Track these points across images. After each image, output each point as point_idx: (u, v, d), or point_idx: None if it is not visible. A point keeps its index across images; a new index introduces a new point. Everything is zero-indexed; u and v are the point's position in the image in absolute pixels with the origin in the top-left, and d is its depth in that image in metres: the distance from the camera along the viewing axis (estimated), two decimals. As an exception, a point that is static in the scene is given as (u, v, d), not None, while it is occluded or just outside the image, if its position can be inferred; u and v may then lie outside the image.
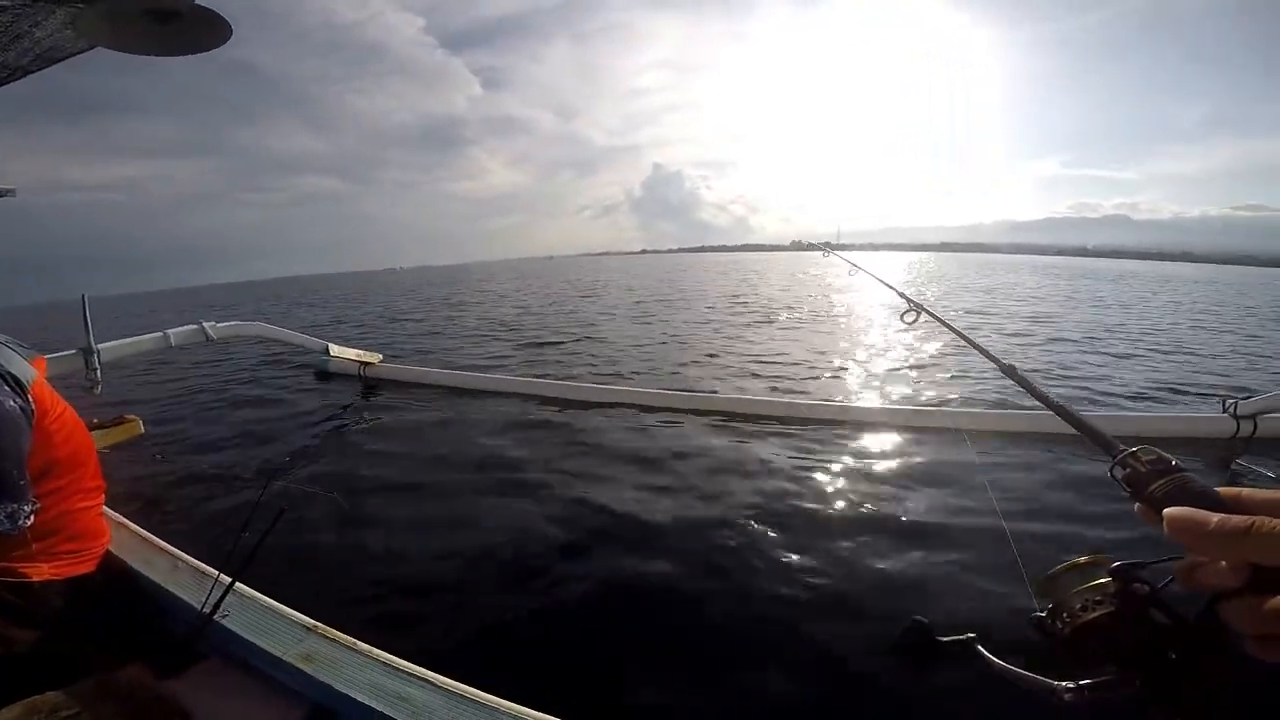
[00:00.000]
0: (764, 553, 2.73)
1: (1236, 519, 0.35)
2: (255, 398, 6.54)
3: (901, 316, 1.77)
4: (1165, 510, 0.37)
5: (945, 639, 0.46)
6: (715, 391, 5.86)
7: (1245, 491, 0.39)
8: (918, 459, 3.88)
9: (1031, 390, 0.75)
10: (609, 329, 11.56)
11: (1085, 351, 8.17)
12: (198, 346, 5.42)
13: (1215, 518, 0.35)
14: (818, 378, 6.77)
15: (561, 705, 1.10)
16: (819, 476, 3.62)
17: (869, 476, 3.64)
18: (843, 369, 7.25)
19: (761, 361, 7.70)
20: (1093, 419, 0.53)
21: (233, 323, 5.67)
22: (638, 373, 7.29)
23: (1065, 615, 0.40)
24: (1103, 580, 0.40)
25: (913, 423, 4.55)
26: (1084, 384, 6.25)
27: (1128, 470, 0.42)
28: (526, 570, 2.65)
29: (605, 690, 1.94)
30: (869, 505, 3.21)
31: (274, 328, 6.69)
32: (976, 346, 1.05)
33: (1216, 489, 0.39)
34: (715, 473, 3.72)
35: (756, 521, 3.01)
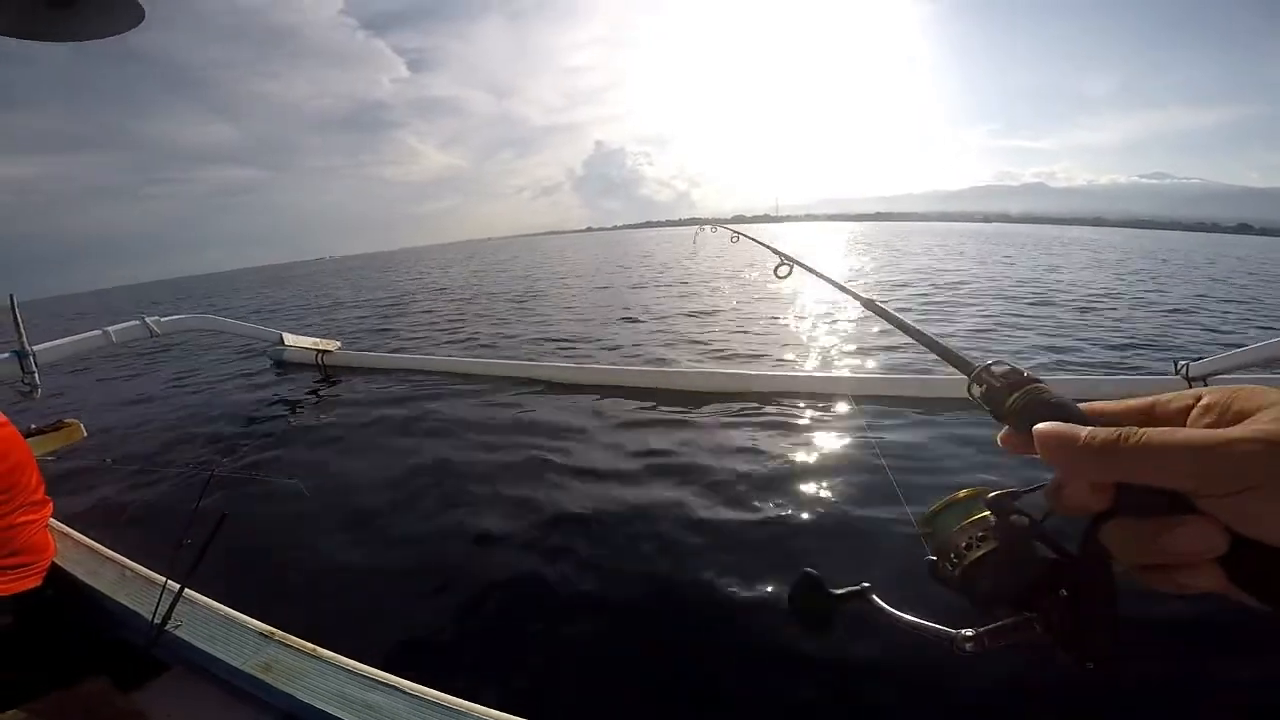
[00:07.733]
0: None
1: (1105, 432, 0.31)
2: (206, 393, 6.30)
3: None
4: (1035, 427, 0.34)
5: (839, 591, 0.43)
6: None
7: (1102, 404, 0.36)
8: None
9: (891, 319, 0.72)
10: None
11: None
12: (141, 343, 5.16)
13: (1084, 431, 0.32)
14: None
15: (531, 707, 1.09)
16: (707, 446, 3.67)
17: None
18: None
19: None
20: (949, 343, 0.52)
21: (177, 316, 5.42)
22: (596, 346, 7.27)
23: (953, 556, 0.38)
24: (982, 514, 0.38)
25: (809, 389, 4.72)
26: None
27: (983, 386, 0.40)
28: (495, 564, 2.58)
29: (579, 693, 1.89)
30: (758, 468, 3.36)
31: (223, 319, 6.42)
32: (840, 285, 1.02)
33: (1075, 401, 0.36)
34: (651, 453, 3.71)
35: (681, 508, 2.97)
